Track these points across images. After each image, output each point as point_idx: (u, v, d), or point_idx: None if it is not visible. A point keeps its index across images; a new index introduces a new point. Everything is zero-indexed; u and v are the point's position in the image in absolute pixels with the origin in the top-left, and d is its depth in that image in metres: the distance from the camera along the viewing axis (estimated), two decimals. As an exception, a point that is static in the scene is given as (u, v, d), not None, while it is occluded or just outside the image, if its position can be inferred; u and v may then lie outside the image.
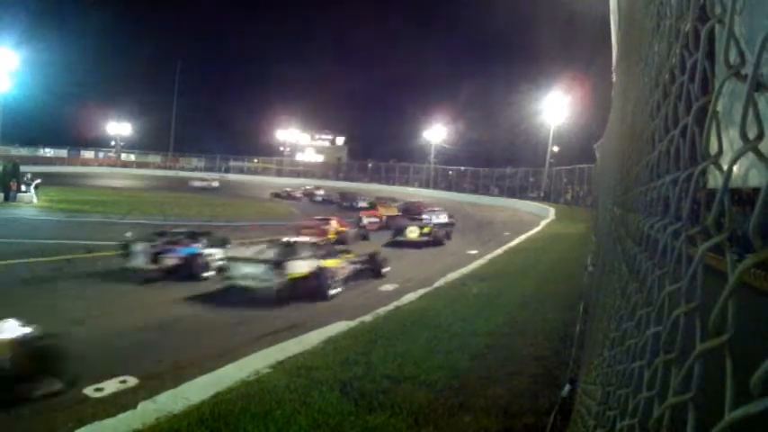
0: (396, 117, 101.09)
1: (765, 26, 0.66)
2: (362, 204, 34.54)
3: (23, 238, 15.02)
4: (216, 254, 11.78)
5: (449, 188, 56.34)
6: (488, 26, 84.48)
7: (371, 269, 12.59)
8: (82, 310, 8.35)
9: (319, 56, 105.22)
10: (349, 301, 10.14)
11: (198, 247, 11.78)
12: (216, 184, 48.91)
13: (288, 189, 45.97)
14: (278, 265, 9.83)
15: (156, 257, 11.08)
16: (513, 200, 44.65)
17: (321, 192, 44.84)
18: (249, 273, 9.89)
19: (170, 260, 11.19)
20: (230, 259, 10.47)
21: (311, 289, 10.00)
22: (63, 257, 12.13)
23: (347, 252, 12.54)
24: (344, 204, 36.87)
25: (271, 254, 10.26)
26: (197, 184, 47.02)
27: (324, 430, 3.91)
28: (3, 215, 19.57)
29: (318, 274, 10.27)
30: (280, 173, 70.93)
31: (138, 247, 11.19)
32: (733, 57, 0.58)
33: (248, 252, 10.77)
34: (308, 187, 47.50)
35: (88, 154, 69.15)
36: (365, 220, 24.61)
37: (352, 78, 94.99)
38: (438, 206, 31.87)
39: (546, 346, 6.05)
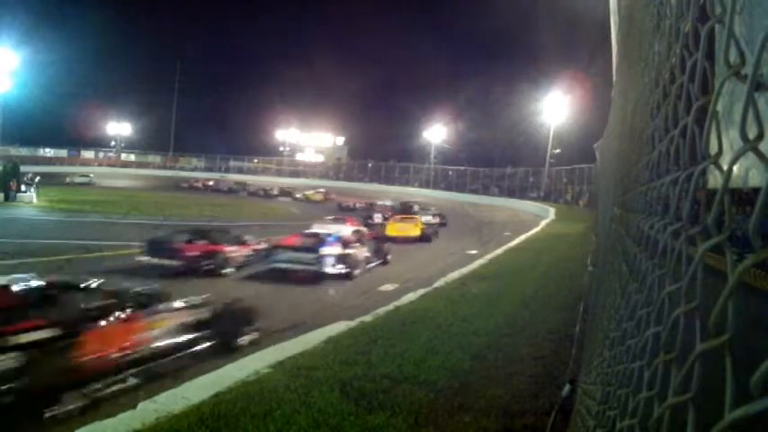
0: (396, 117, 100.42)
1: (765, 26, 0.66)
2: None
3: (23, 238, 15.02)
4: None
5: (449, 188, 56.33)
6: (489, 26, 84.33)
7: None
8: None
9: (319, 55, 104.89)
10: (349, 302, 10.14)
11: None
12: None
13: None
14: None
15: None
16: (513, 200, 44.71)
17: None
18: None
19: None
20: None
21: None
22: (63, 257, 12.12)
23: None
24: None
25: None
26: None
27: (324, 430, 3.91)
28: (3, 215, 19.58)
29: None
30: (279, 173, 70.90)
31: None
32: (733, 57, 0.58)
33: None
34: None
35: (88, 154, 69.23)
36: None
37: (352, 78, 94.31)
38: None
39: (546, 346, 6.05)
